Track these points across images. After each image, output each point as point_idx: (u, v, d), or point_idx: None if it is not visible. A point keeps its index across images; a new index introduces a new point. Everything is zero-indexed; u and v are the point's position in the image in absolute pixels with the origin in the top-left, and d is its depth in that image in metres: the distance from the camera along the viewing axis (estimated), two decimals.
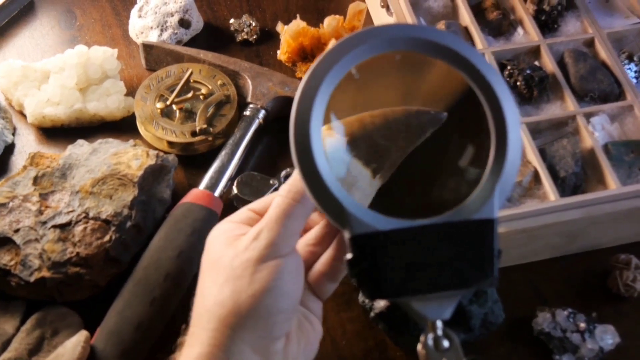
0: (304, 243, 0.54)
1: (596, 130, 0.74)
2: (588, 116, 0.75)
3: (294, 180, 0.49)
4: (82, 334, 0.63)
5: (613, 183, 0.69)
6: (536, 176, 0.70)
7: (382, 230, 0.45)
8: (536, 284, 0.72)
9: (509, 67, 0.77)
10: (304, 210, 0.49)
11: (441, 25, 0.81)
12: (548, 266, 0.73)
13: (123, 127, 0.82)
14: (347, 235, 0.45)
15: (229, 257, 0.49)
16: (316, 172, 0.45)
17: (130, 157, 0.72)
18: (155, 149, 0.79)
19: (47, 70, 0.82)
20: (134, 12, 0.89)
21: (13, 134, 0.81)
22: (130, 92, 0.84)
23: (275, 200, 0.49)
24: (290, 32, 0.81)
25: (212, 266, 0.50)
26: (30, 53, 0.89)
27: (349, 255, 0.45)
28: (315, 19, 0.92)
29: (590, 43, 0.81)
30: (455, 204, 0.46)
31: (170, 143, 0.78)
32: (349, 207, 0.45)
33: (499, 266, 0.46)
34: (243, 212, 0.53)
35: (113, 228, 0.68)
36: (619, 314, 0.70)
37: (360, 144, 0.51)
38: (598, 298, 0.71)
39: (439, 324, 0.46)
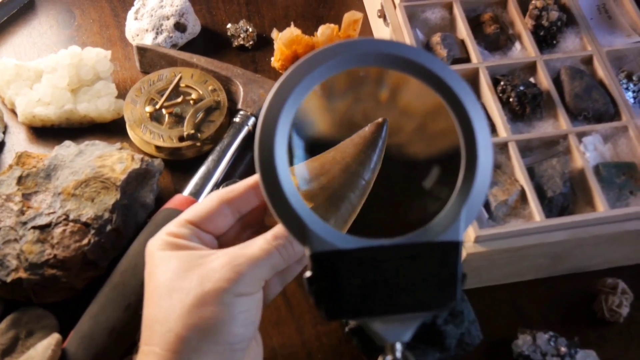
0: (268, 237, 0.52)
1: (588, 151, 0.72)
2: (580, 135, 0.73)
3: (281, 228, 0.48)
4: (54, 337, 0.62)
5: (601, 205, 0.68)
6: (523, 195, 0.69)
7: (343, 249, 0.44)
8: (519, 305, 0.71)
9: (502, 83, 0.76)
10: (281, 263, 0.49)
11: (437, 38, 0.80)
12: (533, 287, 0.72)
13: (113, 130, 0.82)
14: (307, 252, 0.44)
15: (195, 282, 0.47)
16: (278, 187, 0.44)
17: (115, 161, 0.72)
18: (144, 152, 0.79)
19: (40, 69, 0.82)
20: (130, 14, 0.89)
21: (4, 132, 0.81)
22: (124, 94, 0.84)
23: (259, 241, 0.48)
24: (284, 40, 0.81)
25: (171, 286, 0.48)
26: (27, 52, 0.89)
27: (308, 273, 0.44)
28: (314, 27, 0.91)
29: (588, 60, 0.80)
30: (422, 225, 0.45)
31: (157, 147, 0.78)
32: (309, 224, 0.44)
33: (462, 289, 0.45)
34: (182, 225, 0.51)
35: (92, 231, 0.68)
36: (602, 339, 0.69)
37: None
38: (582, 322, 0.70)
39: (398, 346, 0.45)
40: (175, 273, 0.48)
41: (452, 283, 0.45)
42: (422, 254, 0.45)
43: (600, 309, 0.69)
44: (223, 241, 0.53)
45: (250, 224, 0.54)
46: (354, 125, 0.50)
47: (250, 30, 0.90)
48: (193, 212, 0.52)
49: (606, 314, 0.68)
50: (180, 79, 0.80)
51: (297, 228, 0.44)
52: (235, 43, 0.90)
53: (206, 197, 0.53)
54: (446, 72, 0.46)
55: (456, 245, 0.45)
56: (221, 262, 0.47)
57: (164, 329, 0.47)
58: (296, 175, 0.51)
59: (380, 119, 0.50)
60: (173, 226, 0.51)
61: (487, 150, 0.46)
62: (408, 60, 0.46)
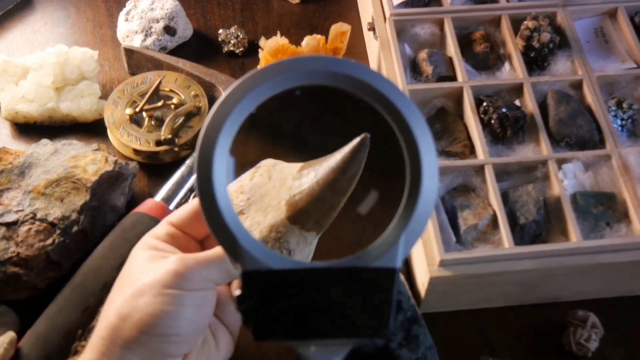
0: None
1: (567, 178, 0.70)
2: (561, 162, 0.71)
3: None
4: (8, 336, 0.62)
5: (574, 235, 0.66)
6: (494, 220, 0.67)
7: (274, 269, 0.43)
8: (486, 332, 0.69)
9: (484, 104, 0.74)
10: (234, 271, 0.49)
11: (423, 54, 0.79)
12: (502, 314, 0.70)
13: (95, 130, 0.82)
14: (239, 270, 0.43)
15: (142, 274, 0.48)
16: (214, 203, 0.43)
17: (88, 162, 0.72)
18: (122, 155, 0.79)
19: (27, 66, 0.82)
20: (121, 15, 0.89)
21: None
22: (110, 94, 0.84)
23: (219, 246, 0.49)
24: (269, 49, 0.80)
25: (125, 279, 0.50)
26: (19, 48, 0.90)
27: (237, 291, 0.43)
28: (306, 36, 0.90)
29: (578, 85, 0.78)
30: (361, 249, 0.44)
31: (135, 150, 0.78)
32: (242, 241, 0.43)
33: (394, 318, 0.44)
34: (163, 227, 0.53)
35: (58, 231, 0.68)
36: None
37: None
38: (549, 354, 0.68)
39: None
40: (133, 268, 0.50)
41: (386, 311, 0.43)
42: (356, 279, 0.43)
43: (568, 341, 0.67)
44: (209, 246, 0.54)
45: None
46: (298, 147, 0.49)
47: (241, 36, 0.89)
48: (175, 214, 0.54)
49: (573, 347, 0.66)
50: (160, 82, 0.79)
51: (230, 244, 0.43)
52: (226, 49, 0.90)
53: (190, 201, 0.54)
54: (395, 94, 0.45)
55: (392, 272, 0.43)
56: (173, 259, 0.48)
57: (103, 317, 0.48)
58: (301, 166, 0.53)
59: (363, 135, 0.50)
60: (157, 227, 0.53)
61: (432, 176, 0.45)
62: (356, 79, 0.45)
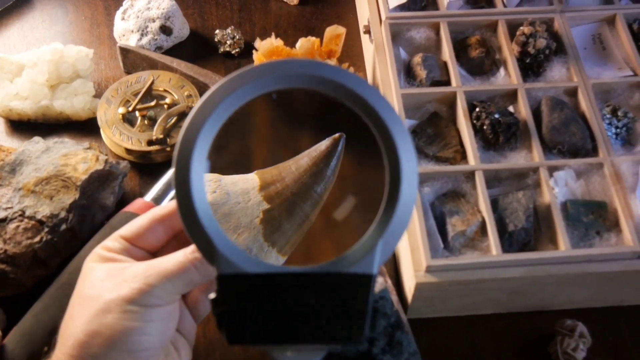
0: (187, 251, 0.52)
1: (558, 186, 0.70)
2: (552, 170, 0.71)
3: None
4: None
5: (563, 244, 0.65)
6: (483, 227, 0.67)
7: (250, 273, 0.43)
8: (474, 340, 0.69)
9: (477, 109, 0.74)
10: (198, 278, 0.48)
11: (418, 58, 0.79)
12: (490, 321, 0.70)
13: (88, 128, 0.82)
14: (214, 273, 0.43)
15: (104, 290, 0.48)
16: (191, 205, 0.43)
17: (79, 160, 0.72)
18: (115, 154, 0.79)
19: (22, 64, 0.82)
20: (118, 14, 0.89)
21: None
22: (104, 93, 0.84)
23: (178, 255, 0.48)
24: (263, 50, 0.80)
25: (86, 294, 0.49)
26: (17, 45, 0.90)
27: (212, 295, 0.43)
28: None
29: (573, 92, 0.77)
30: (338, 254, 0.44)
31: (127, 150, 0.78)
32: (218, 244, 0.43)
33: (374, 324, 0.44)
34: (116, 240, 0.51)
35: (46, 229, 0.68)
36: None
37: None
38: None
39: None
40: (93, 283, 0.49)
41: (361, 318, 0.43)
42: (332, 285, 0.43)
43: (555, 350, 0.66)
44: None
45: (187, 241, 0.54)
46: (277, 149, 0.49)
47: (238, 37, 0.89)
48: (127, 227, 0.52)
49: (560, 356, 0.66)
50: (152, 82, 0.79)
51: (206, 247, 0.43)
52: (222, 49, 0.90)
53: (142, 215, 0.53)
54: (376, 98, 0.45)
55: (368, 279, 0.43)
56: (135, 272, 0.47)
57: (68, 334, 0.47)
58: (260, 177, 0.52)
59: (337, 135, 0.50)
60: (108, 240, 0.52)
61: (411, 182, 0.44)
62: (336, 83, 0.45)
